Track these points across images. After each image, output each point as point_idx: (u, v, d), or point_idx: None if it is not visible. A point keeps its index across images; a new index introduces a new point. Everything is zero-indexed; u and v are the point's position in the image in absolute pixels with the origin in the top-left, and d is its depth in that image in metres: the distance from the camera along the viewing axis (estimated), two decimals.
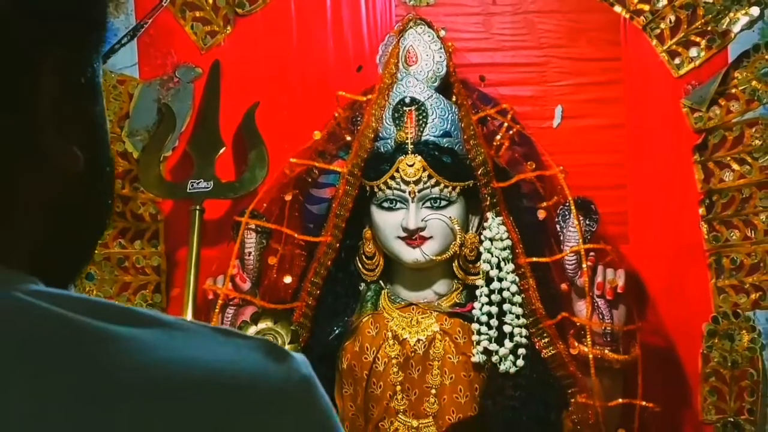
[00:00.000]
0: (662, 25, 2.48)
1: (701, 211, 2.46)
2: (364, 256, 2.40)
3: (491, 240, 2.29)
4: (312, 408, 0.76)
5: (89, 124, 0.80)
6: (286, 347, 2.09)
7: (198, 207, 2.43)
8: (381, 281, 2.41)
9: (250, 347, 0.75)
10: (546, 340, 2.29)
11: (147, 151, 2.56)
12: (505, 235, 2.29)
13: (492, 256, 2.29)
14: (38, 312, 0.69)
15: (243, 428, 0.72)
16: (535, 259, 2.32)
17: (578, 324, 2.28)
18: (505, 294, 2.27)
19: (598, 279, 2.25)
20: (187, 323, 0.76)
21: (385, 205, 2.30)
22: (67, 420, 0.66)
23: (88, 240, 0.83)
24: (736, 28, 2.43)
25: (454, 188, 2.28)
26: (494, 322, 2.26)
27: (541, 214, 2.36)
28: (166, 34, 2.61)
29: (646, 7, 2.48)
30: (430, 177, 2.26)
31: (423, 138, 2.28)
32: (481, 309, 2.27)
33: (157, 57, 2.62)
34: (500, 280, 2.28)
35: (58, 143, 0.75)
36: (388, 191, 2.28)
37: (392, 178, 2.27)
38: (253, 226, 2.38)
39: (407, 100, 2.30)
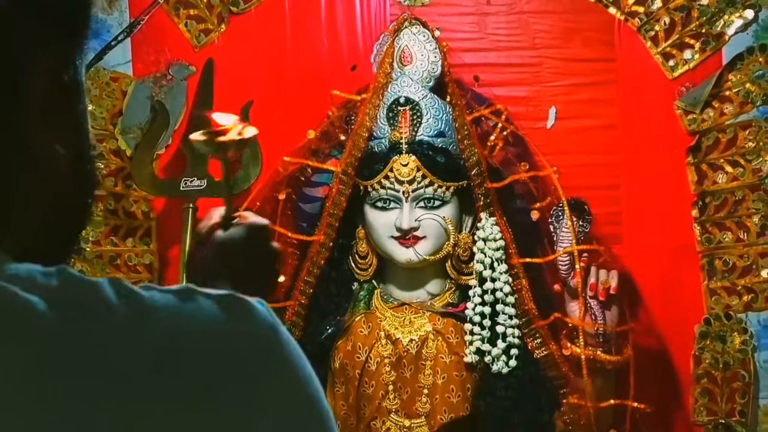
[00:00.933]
0: (657, 27, 2.48)
1: (694, 212, 2.46)
2: (357, 256, 2.40)
3: (484, 240, 2.29)
4: (276, 354, 0.78)
5: (73, 122, 0.80)
6: None
7: (191, 205, 2.42)
8: (374, 281, 2.41)
9: (211, 302, 0.77)
10: (539, 340, 2.29)
11: (140, 149, 2.55)
12: (499, 236, 2.29)
13: (485, 256, 2.29)
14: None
15: (205, 380, 0.73)
16: (528, 259, 2.32)
17: (571, 325, 2.28)
18: (498, 294, 2.27)
19: (591, 280, 2.25)
20: (152, 289, 0.77)
21: (379, 204, 2.30)
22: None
23: (67, 236, 0.85)
24: (730, 31, 2.43)
25: (447, 188, 2.28)
26: (487, 322, 2.26)
27: (535, 215, 2.35)
28: (159, 31, 2.60)
29: (641, 9, 2.49)
30: (424, 177, 2.26)
31: (417, 138, 2.28)
32: (473, 309, 2.27)
33: (151, 54, 2.61)
34: (493, 280, 2.28)
35: (43, 141, 0.75)
36: (381, 191, 2.28)
37: (386, 177, 2.27)
38: None
39: (402, 100, 2.30)
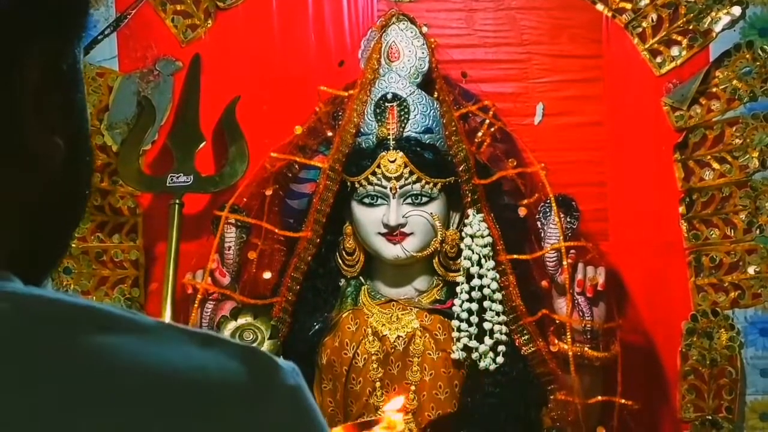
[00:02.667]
0: (644, 24, 2.48)
1: (681, 209, 2.47)
2: (344, 252, 2.39)
3: (472, 237, 2.29)
4: (295, 419, 0.74)
5: (70, 112, 0.78)
6: (266, 342, 2.08)
7: (177, 201, 2.41)
8: (361, 277, 2.40)
9: (229, 354, 0.73)
10: (526, 337, 2.29)
11: (126, 145, 2.54)
12: (486, 232, 2.29)
13: (473, 252, 2.28)
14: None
15: None
16: (515, 256, 2.32)
17: (558, 321, 2.28)
18: (486, 291, 2.27)
19: (579, 276, 2.25)
20: (165, 327, 0.73)
21: (366, 200, 2.29)
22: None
23: (65, 232, 0.82)
24: (717, 28, 2.44)
25: (435, 184, 2.27)
26: (474, 319, 2.26)
27: (522, 211, 2.35)
28: (146, 26, 2.59)
29: (628, 6, 2.49)
30: (411, 173, 2.25)
31: (405, 134, 2.27)
32: (461, 306, 2.27)
33: (137, 50, 2.60)
34: (481, 277, 2.28)
35: (39, 133, 0.74)
36: (369, 187, 2.27)
37: (373, 173, 2.26)
38: (233, 221, 2.37)
39: (389, 96, 2.29)
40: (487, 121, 2.41)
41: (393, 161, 2.25)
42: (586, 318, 2.25)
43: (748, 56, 2.42)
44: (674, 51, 2.48)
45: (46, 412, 0.65)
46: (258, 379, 0.73)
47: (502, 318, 2.28)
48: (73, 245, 2.55)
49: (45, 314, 0.69)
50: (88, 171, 0.82)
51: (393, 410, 1.34)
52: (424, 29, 2.38)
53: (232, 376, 0.72)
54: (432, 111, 2.31)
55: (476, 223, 2.29)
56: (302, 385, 0.74)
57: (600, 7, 2.50)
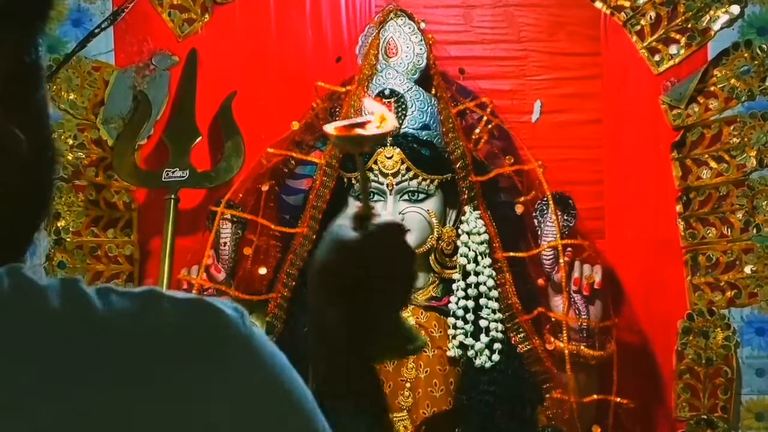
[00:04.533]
0: (642, 22, 2.48)
1: (678, 208, 2.46)
2: None
3: (468, 234, 2.28)
4: (248, 367, 0.75)
5: (32, 106, 0.78)
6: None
7: (173, 196, 2.40)
8: None
9: (175, 310, 0.74)
10: (522, 335, 2.29)
11: (122, 139, 2.54)
12: (483, 229, 2.28)
13: (469, 250, 2.28)
14: None
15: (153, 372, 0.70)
16: (512, 253, 2.31)
17: (554, 319, 2.27)
18: (482, 288, 2.27)
19: (575, 274, 2.25)
20: (106, 290, 0.74)
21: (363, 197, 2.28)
22: None
23: (26, 226, 0.80)
24: (716, 26, 2.44)
25: (432, 181, 2.27)
26: (470, 316, 2.25)
27: (519, 209, 2.35)
28: (142, 20, 2.58)
29: (627, 4, 2.48)
30: (408, 170, 2.24)
31: (402, 130, 2.26)
32: (457, 303, 2.27)
33: (133, 44, 2.59)
34: (477, 274, 2.27)
35: (3, 125, 0.72)
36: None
37: (370, 170, 2.26)
38: (228, 216, 2.36)
39: (387, 92, 2.28)
40: (485, 118, 2.40)
41: (390, 157, 2.24)
42: (583, 316, 2.25)
43: (746, 55, 2.42)
44: (672, 49, 2.47)
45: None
46: (205, 332, 0.73)
47: (498, 316, 2.28)
48: (68, 239, 2.55)
49: None
50: (52, 167, 0.81)
51: (375, 107, 1.30)
52: (422, 25, 2.37)
53: (178, 332, 0.72)
54: (429, 107, 2.30)
55: (473, 220, 2.28)
56: (254, 332, 0.76)
57: (598, 4, 2.49)
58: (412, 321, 2.28)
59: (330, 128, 1.18)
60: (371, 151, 1.27)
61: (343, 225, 1.12)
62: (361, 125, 1.19)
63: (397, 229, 1.16)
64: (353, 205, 2.30)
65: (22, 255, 0.80)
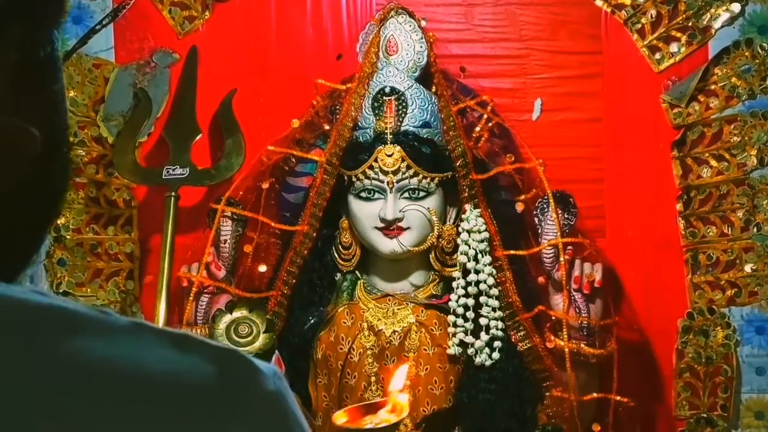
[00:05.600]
0: (643, 20, 2.48)
1: (678, 206, 2.46)
2: (340, 246, 2.39)
3: (469, 232, 2.28)
4: (273, 426, 0.72)
5: (48, 101, 0.76)
6: (261, 336, 2.07)
7: (173, 193, 2.40)
8: (357, 271, 2.39)
9: (206, 357, 0.71)
10: (522, 333, 2.29)
11: (122, 136, 2.53)
12: (483, 228, 2.28)
13: (469, 248, 2.28)
14: None
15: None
16: (512, 251, 2.31)
17: (555, 318, 2.28)
18: (482, 286, 2.27)
19: (576, 273, 2.25)
20: (138, 327, 0.71)
21: (363, 195, 2.28)
22: None
23: (39, 226, 0.78)
24: (716, 25, 2.43)
25: (432, 179, 2.26)
26: (470, 314, 2.25)
27: (520, 207, 2.35)
28: (143, 18, 2.57)
29: (628, 2, 2.48)
30: (408, 167, 2.24)
31: (402, 128, 2.26)
32: (457, 301, 2.27)
33: (134, 41, 2.58)
34: (477, 272, 2.27)
35: (15, 122, 0.71)
36: (366, 181, 2.26)
37: (371, 167, 2.26)
38: (229, 214, 2.36)
39: (387, 90, 2.28)
40: (485, 117, 2.40)
41: (390, 155, 2.24)
42: (583, 314, 2.25)
43: (747, 54, 2.41)
44: (673, 48, 2.47)
45: (6, 417, 0.64)
46: (235, 383, 0.71)
47: (498, 314, 2.28)
48: (68, 237, 2.54)
49: (8, 317, 0.67)
50: (66, 165, 0.79)
51: (397, 390, 1.32)
52: (423, 23, 2.37)
53: (207, 380, 0.70)
54: (430, 105, 2.30)
55: (473, 218, 2.28)
56: (283, 390, 0.72)
57: (599, 3, 2.49)
58: (412, 319, 2.28)
59: (339, 420, 1.17)
60: None
61: None
62: (374, 408, 1.17)
63: None
64: (351, 203, 2.30)
65: (38, 251, 0.78)
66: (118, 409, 0.66)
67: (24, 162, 0.72)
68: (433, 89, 2.34)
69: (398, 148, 2.25)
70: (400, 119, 2.26)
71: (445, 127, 2.30)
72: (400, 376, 1.38)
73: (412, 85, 2.29)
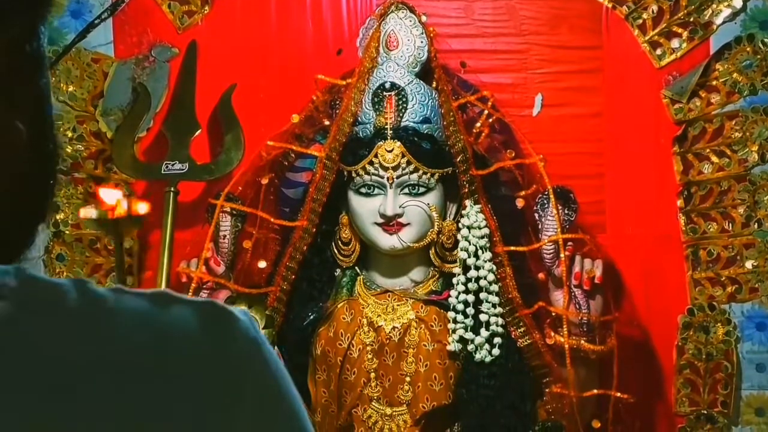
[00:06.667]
0: (644, 15, 2.47)
1: (679, 202, 2.45)
2: (340, 242, 2.38)
3: (469, 228, 2.27)
4: (254, 372, 0.74)
5: (33, 96, 0.76)
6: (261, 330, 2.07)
7: (172, 189, 2.39)
8: (357, 267, 2.39)
9: (187, 311, 0.74)
10: (522, 329, 2.28)
11: (121, 131, 2.53)
12: (483, 223, 2.27)
13: (469, 244, 2.27)
14: None
15: (172, 389, 0.70)
16: (512, 247, 2.31)
17: (555, 314, 2.27)
18: (482, 282, 2.26)
19: (576, 269, 2.24)
20: (119, 291, 0.73)
21: (363, 190, 2.28)
22: None
23: (27, 222, 0.78)
24: (718, 20, 2.43)
25: (432, 175, 2.26)
26: (470, 310, 2.25)
27: (520, 203, 2.34)
28: (142, 12, 2.57)
29: None
30: (408, 163, 2.23)
31: (402, 123, 2.26)
32: (457, 297, 2.26)
33: (133, 35, 2.58)
34: (477, 268, 2.27)
35: (2, 117, 0.71)
36: (366, 177, 2.26)
37: (371, 163, 2.25)
38: (228, 209, 2.35)
39: (387, 85, 2.27)
40: (486, 112, 2.39)
41: (390, 151, 2.24)
42: (583, 311, 2.24)
43: (748, 49, 2.41)
44: (674, 43, 2.46)
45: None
46: (216, 333, 0.73)
47: (498, 310, 2.27)
48: (67, 232, 2.54)
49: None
50: (53, 160, 0.79)
51: None
52: (423, 18, 2.36)
53: (189, 331, 0.73)
54: (430, 101, 2.29)
55: (473, 214, 2.27)
56: (261, 337, 0.76)
57: None
58: (412, 315, 2.28)
59: (88, 213, 1.18)
60: (130, 232, 1.28)
61: None
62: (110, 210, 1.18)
63: None
64: (351, 199, 2.30)
65: (24, 251, 0.78)
66: (106, 371, 0.69)
67: (9, 156, 0.72)
68: (434, 84, 2.33)
69: (398, 143, 2.24)
70: (400, 115, 2.25)
71: (445, 123, 2.29)
72: None
73: (412, 81, 2.28)
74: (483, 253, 2.27)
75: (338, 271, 2.40)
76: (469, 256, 2.27)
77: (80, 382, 0.68)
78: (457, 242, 2.30)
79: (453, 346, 2.24)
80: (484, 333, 2.24)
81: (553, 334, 2.27)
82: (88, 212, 1.19)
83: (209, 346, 0.73)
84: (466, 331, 2.24)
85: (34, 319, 0.69)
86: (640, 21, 2.47)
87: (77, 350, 0.69)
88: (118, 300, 0.72)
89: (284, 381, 0.76)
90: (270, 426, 0.75)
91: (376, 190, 2.26)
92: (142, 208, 1.20)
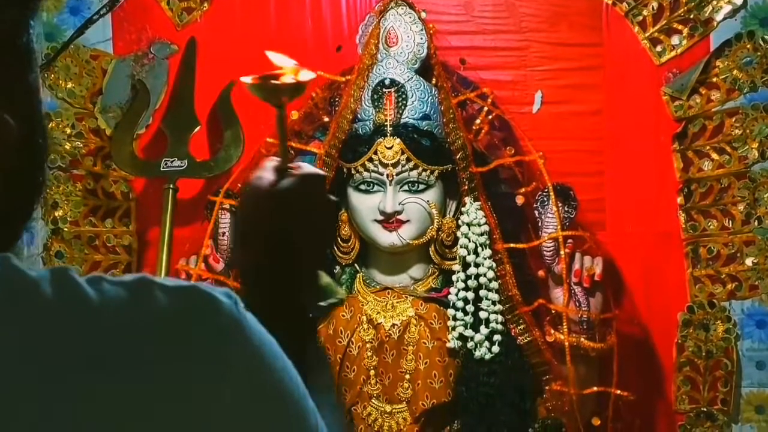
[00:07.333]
0: (645, 12, 2.46)
1: (679, 200, 2.45)
2: (339, 239, 2.38)
3: (468, 225, 2.27)
4: (238, 352, 0.75)
5: (23, 91, 0.76)
6: None
7: (171, 186, 2.39)
8: (356, 264, 2.39)
9: (168, 296, 0.74)
10: (522, 326, 2.28)
11: (120, 128, 2.52)
12: (483, 221, 2.27)
13: (469, 241, 2.27)
14: None
15: (149, 371, 0.71)
16: (512, 245, 2.31)
17: (555, 311, 2.27)
18: (482, 280, 2.26)
19: (576, 266, 2.24)
20: (97, 279, 0.74)
21: (362, 187, 2.27)
22: None
23: (17, 214, 0.79)
24: (718, 17, 2.42)
25: (432, 172, 2.25)
26: (470, 307, 2.25)
27: (520, 200, 2.34)
28: (141, 9, 2.57)
29: None
30: (408, 160, 2.23)
31: (402, 120, 2.25)
32: (457, 294, 2.26)
33: (132, 32, 2.57)
34: (477, 265, 2.26)
35: None
36: (365, 173, 2.25)
37: (370, 160, 2.25)
38: (227, 206, 2.35)
39: (387, 82, 2.27)
40: (485, 109, 2.39)
41: (390, 148, 2.23)
42: (583, 308, 2.24)
43: (749, 46, 2.40)
44: (675, 40, 2.45)
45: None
46: (195, 317, 0.74)
47: (498, 307, 2.27)
48: (65, 229, 2.54)
49: None
50: (42, 155, 0.79)
51: (284, 61, 1.27)
52: (423, 15, 2.36)
53: (168, 318, 0.73)
54: (430, 97, 2.28)
55: (473, 211, 2.27)
56: (247, 317, 0.76)
57: None
58: (412, 312, 2.27)
59: (247, 79, 1.17)
60: (289, 101, 1.24)
61: (263, 176, 1.09)
62: (275, 77, 1.17)
63: (317, 179, 1.13)
64: (351, 196, 2.29)
65: (14, 244, 0.78)
66: (84, 362, 0.69)
67: (0, 151, 0.72)
68: (433, 81, 2.33)
69: (398, 140, 2.23)
70: (400, 111, 2.25)
71: (444, 120, 2.29)
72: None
73: (411, 77, 2.28)
74: (483, 250, 2.27)
75: (337, 268, 2.40)
76: (468, 254, 2.27)
77: (57, 380, 0.68)
78: (456, 239, 2.29)
79: (453, 344, 2.24)
80: (483, 330, 2.24)
81: (552, 331, 2.27)
82: (248, 78, 1.17)
83: (190, 332, 0.73)
84: (466, 328, 2.24)
85: (9, 312, 0.69)
86: (640, 18, 2.47)
87: (53, 342, 0.69)
88: (96, 290, 0.72)
89: (271, 359, 0.76)
90: (253, 407, 0.75)
91: (376, 187, 2.26)
92: (306, 75, 1.18)
